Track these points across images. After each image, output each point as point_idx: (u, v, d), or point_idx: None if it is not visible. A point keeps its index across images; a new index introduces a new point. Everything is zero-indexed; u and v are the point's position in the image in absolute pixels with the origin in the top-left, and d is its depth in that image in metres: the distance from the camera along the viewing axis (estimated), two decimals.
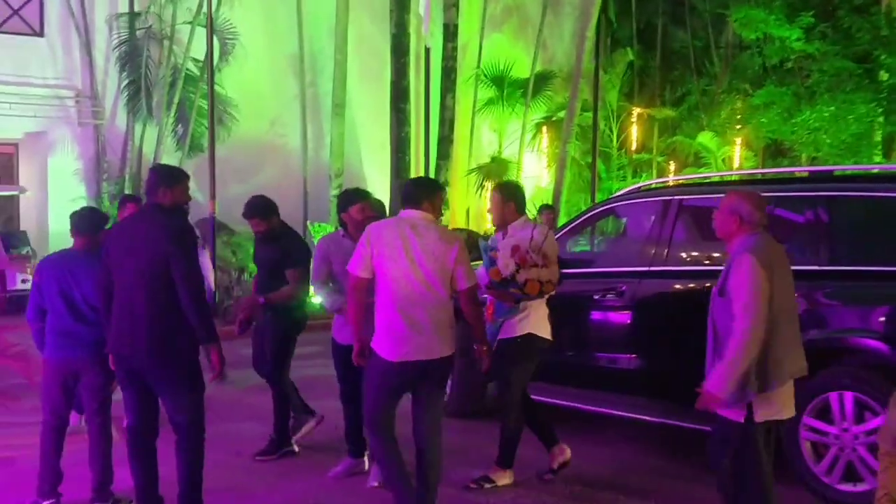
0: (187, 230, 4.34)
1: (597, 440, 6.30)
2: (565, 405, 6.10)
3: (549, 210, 11.24)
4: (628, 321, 5.85)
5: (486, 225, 19.30)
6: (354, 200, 5.49)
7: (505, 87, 19.05)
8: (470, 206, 19.46)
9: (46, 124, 15.32)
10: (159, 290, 4.17)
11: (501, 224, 5.26)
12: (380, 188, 16.75)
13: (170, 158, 15.88)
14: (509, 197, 5.28)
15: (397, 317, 4.25)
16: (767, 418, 3.82)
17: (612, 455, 6.04)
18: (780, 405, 3.84)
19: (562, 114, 18.06)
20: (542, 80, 19.10)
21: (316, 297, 5.97)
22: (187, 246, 4.24)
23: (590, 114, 16.66)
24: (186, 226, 4.39)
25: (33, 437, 4.99)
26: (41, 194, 15.39)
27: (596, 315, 6.16)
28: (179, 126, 16.19)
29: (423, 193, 4.50)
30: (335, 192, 16.10)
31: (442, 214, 4.79)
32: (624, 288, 5.83)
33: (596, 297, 6.02)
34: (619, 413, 5.83)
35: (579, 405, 6.06)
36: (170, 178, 4.42)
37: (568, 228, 6.71)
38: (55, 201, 15.10)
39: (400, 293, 4.26)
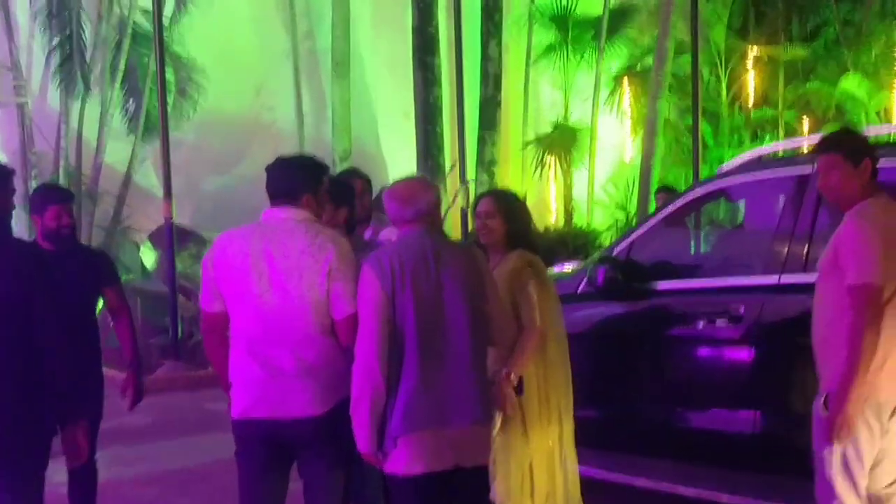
0: (41, 254, 4.14)
1: None
2: (640, 485, 5.67)
3: (666, 193, 10.41)
4: (748, 360, 5.33)
5: (549, 218, 18.74)
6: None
7: (570, 29, 18.68)
8: (528, 192, 18.87)
9: None
10: (9, 344, 3.84)
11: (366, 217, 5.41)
12: (403, 173, 16.13)
13: (119, 144, 15.58)
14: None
15: (248, 360, 4.03)
16: (394, 472, 3.96)
17: None
18: (411, 457, 3.93)
19: (649, 60, 17.62)
20: (620, 17, 18.64)
21: None
22: (45, 278, 3.97)
23: (688, 58, 15.98)
24: (37, 248, 4.30)
25: None
26: None
27: (697, 352, 5.65)
28: (130, 101, 15.94)
29: (302, 181, 4.16)
30: None
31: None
32: (742, 310, 5.30)
33: (699, 324, 5.51)
34: (727, 498, 5.35)
35: (665, 485, 5.59)
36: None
37: (654, 222, 6.19)
38: None
39: (252, 330, 4.03)
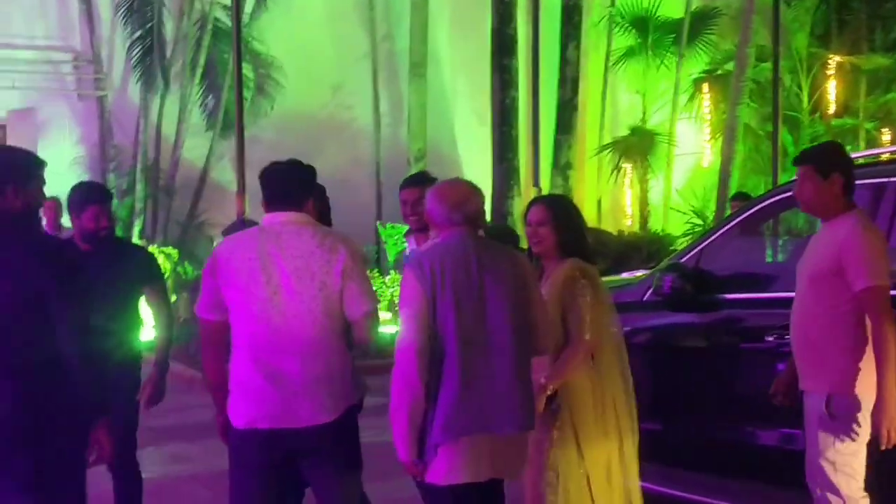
0: (64, 251, 4.03)
1: None
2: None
3: (741, 201, 10.16)
4: None
5: (624, 223, 18.50)
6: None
7: (650, 33, 18.50)
8: (602, 197, 18.64)
9: (36, 98, 15.25)
10: (25, 343, 3.74)
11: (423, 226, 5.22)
12: (477, 175, 16.07)
13: (197, 139, 15.69)
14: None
15: (251, 369, 3.92)
16: (433, 482, 3.90)
17: None
18: (450, 466, 3.86)
19: (730, 66, 17.32)
20: (701, 21, 18.42)
21: None
22: (67, 275, 3.85)
23: (769, 65, 15.71)
24: (61, 244, 4.11)
25: None
26: None
27: (763, 367, 5.34)
28: (210, 97, 16.04)
29: (303, 187, 4.12)
30: None
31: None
32: None
33: (769, 337, 5.26)
34: None
35: None
36: (24, 170, 3.90)
37: (726, 229, 5.93)
38: None
39: (257, 336, 3.93)
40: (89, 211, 5.15)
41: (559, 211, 4.55)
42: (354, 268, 3.97)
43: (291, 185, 4.10)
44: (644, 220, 18.19)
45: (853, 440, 4.26)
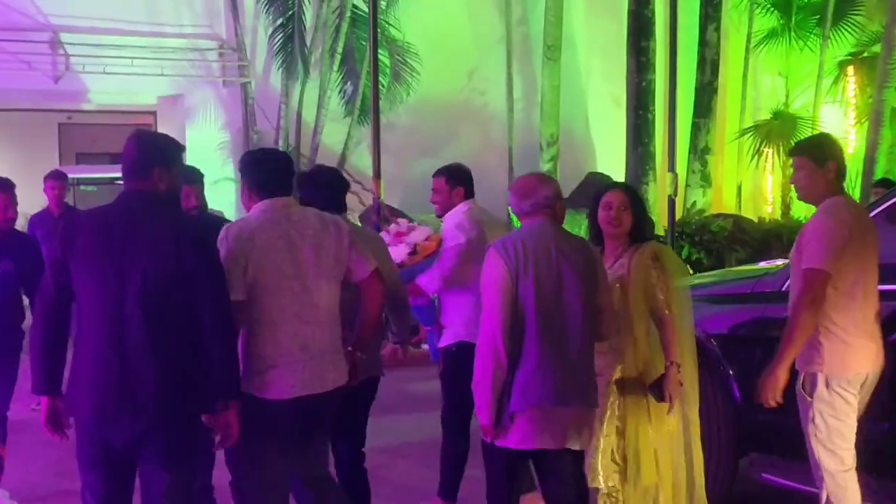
0: (211, 231, 4.19)
1: None
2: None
3: (885, 188, 9.93)
4: None
5: (765, 209, 18.12)
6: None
7: (793, 14, 17.99)
8: (743, 182, 18.29)
9: (183, 85, 15.79)
10: (169, 321, 3.90)
11: (445, 213, 6.05)
12: (611, 160, 16.02)
13: (336, 125, 15.99)
14: (457, 181, 6.01)
15: (287, 341, 4.24)
16: (507, 445, 4.28)
17: None
18: (524, 433, 4.24)
19: (877, 48, 16.69)
20: (846, 2, 17.76)
21: None
22: (214, 256, 4.05)
23: None
24: (206, 225, 4.30)
25: None
26: None
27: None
28: (348, 83, 16.29)
29: (290, 174, 4.52)
30: (547, 165, 15.47)
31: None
32: None
33: None
34: None
35: None
36: (167, 153, 4.17)
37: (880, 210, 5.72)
38: None
39: (287, 311, 4.25)
40: (182, 191, 5.41)
41: (637, 197, 4.91)
42: (356, 239, 4.49)
43: (288, 174, 4.51)
44: (786, 206, 17.77)
45: (836, 420, 4.53)
